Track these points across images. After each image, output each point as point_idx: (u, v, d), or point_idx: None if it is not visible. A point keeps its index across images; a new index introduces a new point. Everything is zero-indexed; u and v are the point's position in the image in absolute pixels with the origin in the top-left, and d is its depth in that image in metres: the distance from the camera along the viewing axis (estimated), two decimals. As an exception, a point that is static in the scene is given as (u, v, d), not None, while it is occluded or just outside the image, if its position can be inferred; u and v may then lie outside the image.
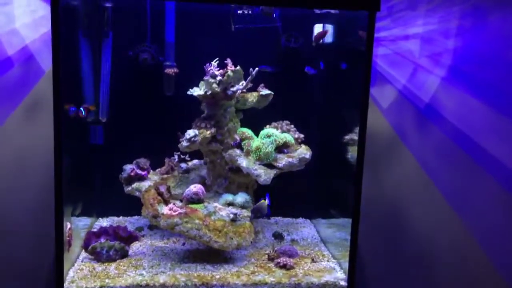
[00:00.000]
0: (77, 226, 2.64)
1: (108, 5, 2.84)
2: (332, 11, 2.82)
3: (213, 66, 2.78)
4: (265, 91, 2.93)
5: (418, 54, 2.56)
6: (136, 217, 3.21)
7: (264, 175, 2.71)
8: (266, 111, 3.00)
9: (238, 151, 2.85)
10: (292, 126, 3.02)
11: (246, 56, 2.82)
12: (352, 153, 2.56)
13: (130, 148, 3.09)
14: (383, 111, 2.74)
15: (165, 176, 3.03)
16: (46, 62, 2.47)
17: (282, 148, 2.87)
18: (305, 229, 3.17)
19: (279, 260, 2.53)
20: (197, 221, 2.49)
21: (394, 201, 2.68)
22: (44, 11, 2.43)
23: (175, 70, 2.98)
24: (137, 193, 2.87)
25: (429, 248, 2.42)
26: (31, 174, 2.45)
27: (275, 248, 2.67)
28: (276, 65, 3.01)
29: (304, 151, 2.85)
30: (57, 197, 2.15)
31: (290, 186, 2.98)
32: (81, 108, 2.46)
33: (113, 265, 2.48)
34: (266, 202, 2.60)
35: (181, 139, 2.80)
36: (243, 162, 2.78)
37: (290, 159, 2.79)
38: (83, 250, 2.57)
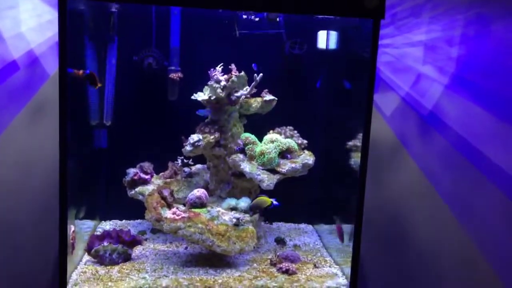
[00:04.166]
0: (80, 229, 2.65)
1: (113, 10, 2.85)
2: (336, 18, 2.84)
3: (217, 71, 2.80)
4: (269, 97, 2.94)
5: (422, 62, 2.57)
6: (138, 220, 3.22)
7: (267, 180, 2.71)
8: (270, 116, 3.01)
9: (241, 156, 2.86)
10: (296, 131, 3.02)
11: (250, 62, 2.83)
12: (355, 159, 2.57)
13: (133, 152, 3.10)
14: (386, 118, 2.75)
15: (168, 180, 3.03)
16: (51, 65, 2.49)
17: (285, 153, 2.88)
18: (307, 235, 3.18)
19: (281, 265, 2.54)
20: (200, 225, 2.50)
21: (396, 208, 2.69)
22: (50, 15, 2.44)
23: (180, 75, 3.00)
24: (140, 197, 2.88)
25: (431, 255, 2.42)
26: (34, 176, 2.46)
27: (277, 253, 2.67)
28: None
29: (307, 157, 2.86)
30: (62, 200, 2.15)
31: (292, 191, 2.98)
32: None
33: (116, 268, 2.48)
34: (270, 200, 2.62)
35: (185, 144, 2.81)
36: (247, 167, 2.79)
37: (293, 165, 2.80)
38: (86, 253, 2.57)
